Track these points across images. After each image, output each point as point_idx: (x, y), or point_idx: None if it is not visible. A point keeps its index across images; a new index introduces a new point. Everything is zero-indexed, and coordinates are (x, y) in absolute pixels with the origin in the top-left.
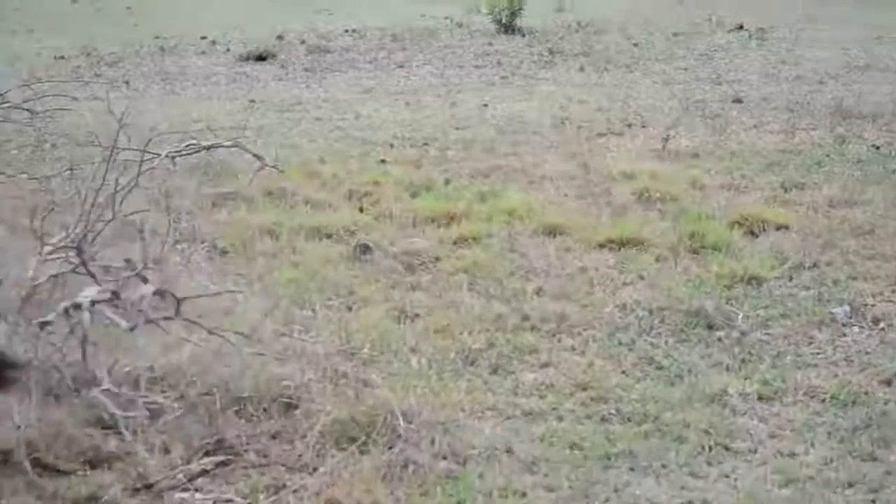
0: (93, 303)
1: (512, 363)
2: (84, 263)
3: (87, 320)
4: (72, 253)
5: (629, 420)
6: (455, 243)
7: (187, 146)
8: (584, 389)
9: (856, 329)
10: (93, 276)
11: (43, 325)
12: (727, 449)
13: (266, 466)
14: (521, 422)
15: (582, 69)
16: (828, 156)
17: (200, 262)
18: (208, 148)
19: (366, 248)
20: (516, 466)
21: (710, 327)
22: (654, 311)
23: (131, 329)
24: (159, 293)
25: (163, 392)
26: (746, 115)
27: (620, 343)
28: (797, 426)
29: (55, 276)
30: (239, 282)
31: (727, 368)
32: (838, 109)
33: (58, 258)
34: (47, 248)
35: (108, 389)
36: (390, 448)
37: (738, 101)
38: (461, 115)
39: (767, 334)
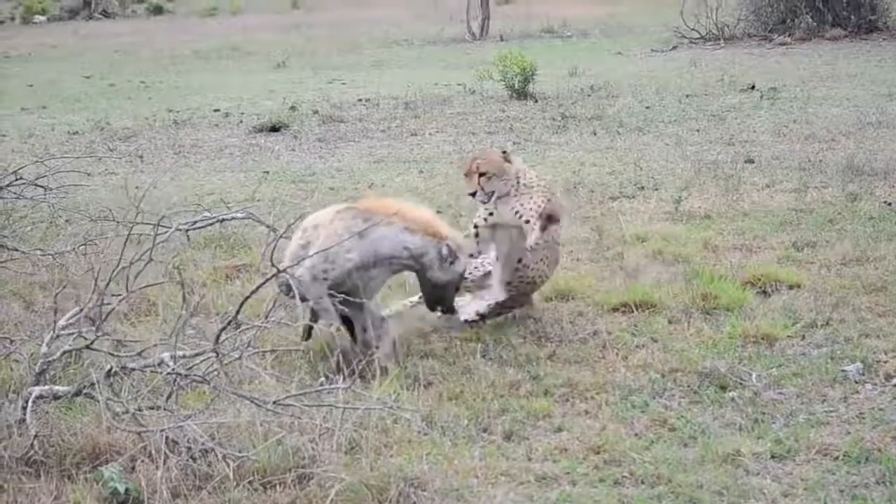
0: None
1: (525, 429)
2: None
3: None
4: (85, 327)
5: (642, 483)
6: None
7: (201, 219)
8: (598, 453)
9: (868, 386)
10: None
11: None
12: None
13: None
14: (534, 487)
15: (594, 133)
16: (840, 214)
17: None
18: (221, 220)
19: (381, 318)
20: None
21: (723, 388)
22: (667, 373)
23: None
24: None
25: (191, 460)
26: (758, 174)
27: (633, 406)
28: (810, 484)
29: (68, 351)
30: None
31: (740, 428)
32: (850, 167)
33: (71, 333)
34: (61, 323)
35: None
36: None
37: (750, 161)
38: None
39: (780, 393)
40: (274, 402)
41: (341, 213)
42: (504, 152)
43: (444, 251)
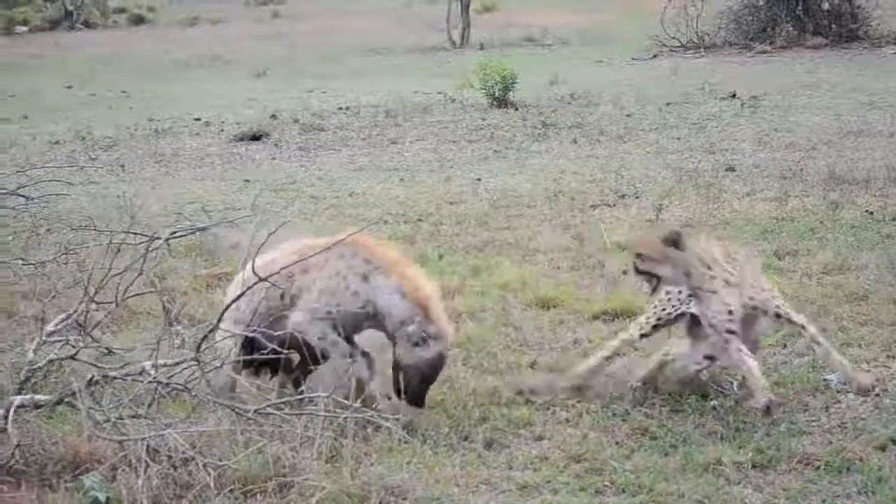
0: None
1: (506, 437)
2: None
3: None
4: (71, 336)
5: (623, 492)
6: (449, 318)
7: (182, 228)
8: (578, 462)
9: (850, 396)
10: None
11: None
12: None
13: None
14: (515, 495)
15: (575, 141)
16: (821, 222)
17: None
18: (203, 229)
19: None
20: None
21: (704, 397)
22: (648, 382)
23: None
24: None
25: (172, 469)
26: (739, 183)
27: (614, 414)
28: (792, 494)
29: (52, 361)
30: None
31: (721, 437)
32: (831, 175)
33: (56, 341)
34: (48, 329)
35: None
36: None
37: (731, 169)
38: (454, 189)
39: None
40: (255, 411)
41: (342, 252)
42: (673, 235)
43: (411, 329)
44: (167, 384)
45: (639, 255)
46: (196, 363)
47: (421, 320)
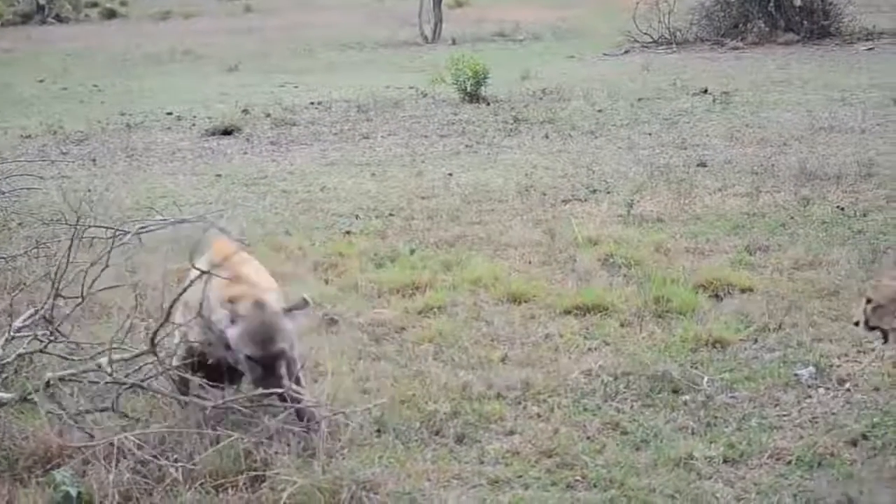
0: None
1: (478, 432)
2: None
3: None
4: (40, 331)
5: (595, 486)
6: (420, 313)
7: (154, 222)
8: (550, 456)
9: (821, 390)
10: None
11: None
12: None
13: None
14: (486, 490)
15: (546, 136)
16: (792, 218)
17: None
18: (175, 223)
19: (332, 321)
20: None
21: (676, 391)
22: (619, 377)
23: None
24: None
25: (135, 466)
26: (711, 178)
27: (586, 409)
28: (763, 489)
29: (21, 355)
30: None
31: (692, 432)
32: (802, 171)
33: (26, 336)
34: (16, 325)
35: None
36: None
37: (703, 164)
38: (426, 184)
39: (733, 397)
40: (213, 407)
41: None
42: None
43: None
44: (122, 383)
45: (870, 303)
46: (154, 357)
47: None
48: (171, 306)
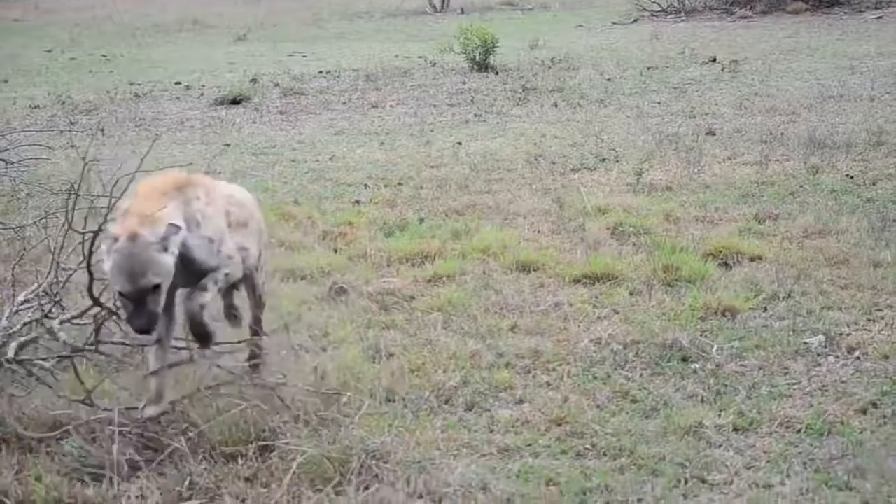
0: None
1: (487, 400)
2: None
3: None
4: (44, 301)
5: (605, 455)
6: (430, 282)
7: None
8: (560, 425)
9: (831, 359)
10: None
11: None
12: (703, 481)
13: None
14: (496, 459)
15: (555, 105)
16: (801, 186)
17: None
18: None
19: (341, 290)
20: None
21: (685, 360)
22: (629, 345)
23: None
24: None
25: (141, 437)
26: (720, 147)
27: (595, 377)
28: (773, 457)
29: (28, 323)
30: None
31: (702, 400)
32: (811, 140)
33: (28, 308)
34: (20, 298)
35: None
36: (366, 488)
37: (712, 133)
38: (435, 153)
39: (742, 366)
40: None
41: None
42: None
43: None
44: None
45: None
46: (104, 312)
47: None
48: (89, 253)
